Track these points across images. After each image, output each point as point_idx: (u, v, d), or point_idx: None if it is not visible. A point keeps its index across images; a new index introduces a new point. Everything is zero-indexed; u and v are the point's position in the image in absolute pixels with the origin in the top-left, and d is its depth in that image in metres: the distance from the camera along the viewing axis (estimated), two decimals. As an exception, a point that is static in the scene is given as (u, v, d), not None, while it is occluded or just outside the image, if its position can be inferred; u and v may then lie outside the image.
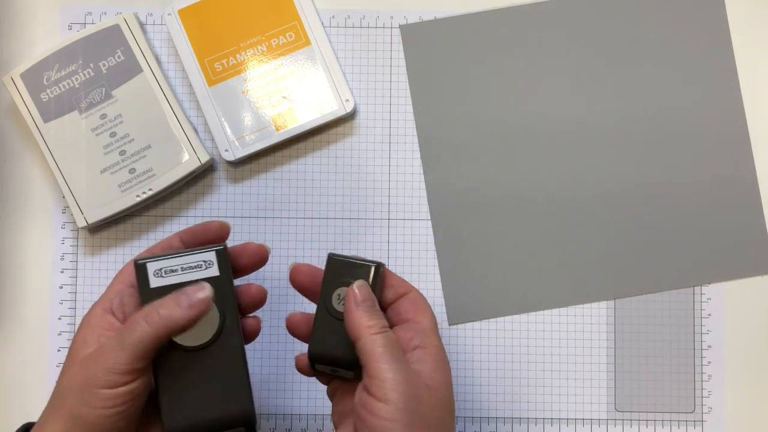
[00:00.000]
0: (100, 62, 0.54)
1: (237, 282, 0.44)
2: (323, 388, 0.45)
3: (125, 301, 0.41)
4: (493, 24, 0.57)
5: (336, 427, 0.43)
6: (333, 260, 0.43)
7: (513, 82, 0.57)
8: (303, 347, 0.43)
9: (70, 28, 0.57)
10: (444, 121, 0.56)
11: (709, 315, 0.56)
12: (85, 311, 0.55)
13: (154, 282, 0.41)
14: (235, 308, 0.42)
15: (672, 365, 0.55)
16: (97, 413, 0.37)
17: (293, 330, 0.45)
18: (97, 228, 0.56)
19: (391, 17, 0.57)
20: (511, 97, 0.57)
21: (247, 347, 0.43)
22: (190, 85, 0.55)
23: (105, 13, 0.57)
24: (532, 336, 0.56)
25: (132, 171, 0.54)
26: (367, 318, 0.40)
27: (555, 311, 0.56)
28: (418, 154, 0.56)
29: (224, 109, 0.55)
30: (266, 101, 0.55)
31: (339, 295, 0.42)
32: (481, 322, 0.56)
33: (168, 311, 0.39)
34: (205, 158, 0.54)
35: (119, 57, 0.54)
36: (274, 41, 0.55)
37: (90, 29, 0.55)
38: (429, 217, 0.56)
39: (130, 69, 0.54)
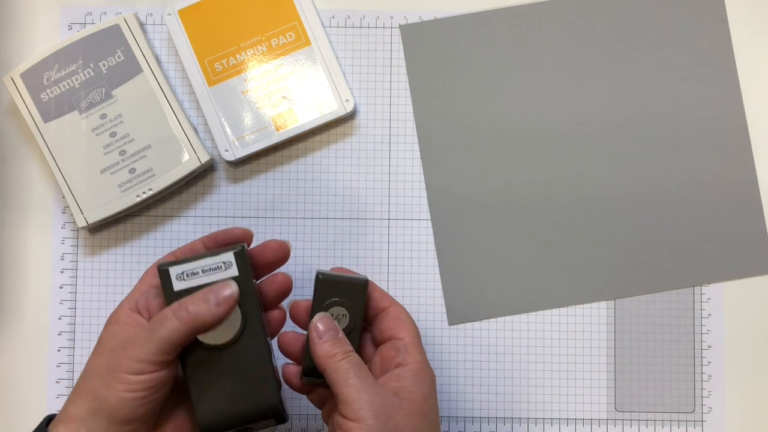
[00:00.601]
0: (100, 62, 0.54)
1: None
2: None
3: (150, 301, 0.43)
4: (493, 24, 0.57)
5: None
6: (321, 280, 0.44)
7: (513, 82, 0.57)
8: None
9: (70, 28, 0.57)
10: (444, 121, 0.56)
11: (709, 315, 0.56)
12: (85, 311, 0.56)
13: (177, 285, 0.43)
14: (256, 306, 0.43)
15: (672, 365, 0.55)
16: (119, 395, 0.39)
17: (285, 349, 0.46)
18: (97, 228, 0.56)
19: (391, 17, 0.57)
20: (511, 97, 0.57)
21: None
22: (190, 85, 0.55)
23: (105, 13, 0.57)
24: (532, 336, 0.56)
25: (132, 171, 0.54)
26: (329, 347, 0.42)
27: (555, 311, 0.56)
28: (418, 154, 0.56)
29: (224, 109, 0.55)
30: (266, 101, 0.55)
31: (332, 314, 0.44)
32: (481, 322, 0.56)
33: (196, 308, 0.40)
34: (205, 158, 0.54)
35: (119, 57, 0.54)
36: (274, 41, 0.55)
37: (90, 29, 0.55)
38: (429, 217, 0.56)
39: (130, 69, 0.54)
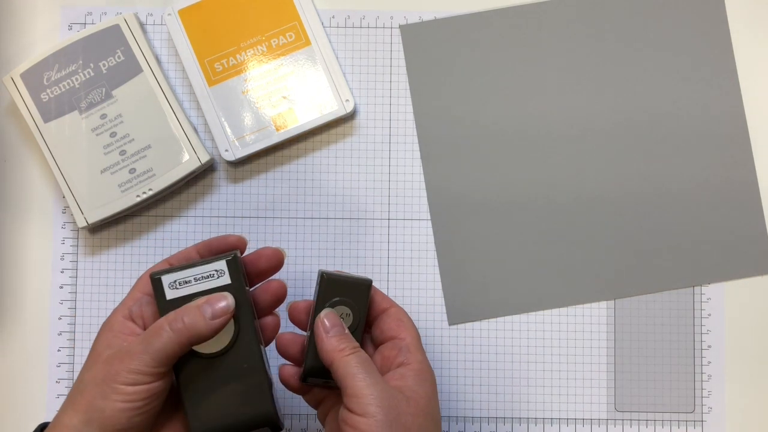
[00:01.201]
0: (100, 62, 0.54)
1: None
2: (323, 388, 0.46)
3: (144, 309, 0.43)
4: (493, 24, 0.57)
5: None
6: (325, 278, 0.44)
7: (513, 82, 0.57)
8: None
9: (70, 28, 0.57)
10: (444, 121, 0.56)
11: (709, 315, 0.56)
12: (85, 311, 0.56)
13: (170, 294, 0.42)
14: (249, 314, 0.43)
15: (672, 365, 0.55)
16: (114, 406, 0.39)
17: (284, 350, 0.46)
18: (97, 228, 0.56)
19: (391, 17, 0.57)
20: (511, 97, 0.57)
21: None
22: (190, 85, 0.55)
23: (105, 13, 0.57)
24: (532, 336, 0.56)
25: (132, 171, 0.54)
26: (337, 342, 0.42)
27: (555, 311, 0.56)
28: (418, 154, 0.56)
29: (224, 109, 0.55)
30: (266, 101, 0.55)
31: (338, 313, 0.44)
32: (481, 322, 0.56)
33: (192, 320, 0.40)
34: (205, 158, 0.54)
35: (119, 57, 0.54)
36: (274, 41, 0.55)
37: (90, 29, 0.55)
38: (429, 217, 0.56)
39: (130, 69, 0.54)
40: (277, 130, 0.55)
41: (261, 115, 0.55)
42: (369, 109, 0.57)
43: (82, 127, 0.54)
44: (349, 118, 0.57)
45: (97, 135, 0.54)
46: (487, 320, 0.56)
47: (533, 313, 0.56)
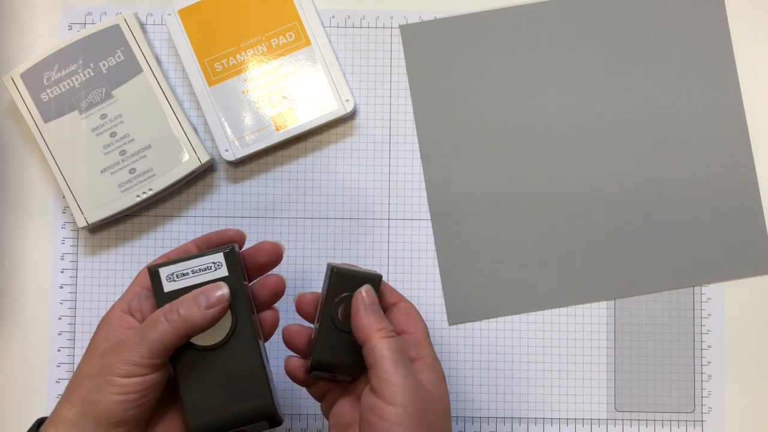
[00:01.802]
0: (100, 62, 0.54)
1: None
2: (323, 388, 0.46)
3: (143, 303, 0.43)
4: (493, 24, 0.57)
5: None
6: (335, 272, 0.44)
7: (513, 82, 0.57)
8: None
9: (70, 28, 0.57)
10: (444, 121, 0.56)
11: (709, 315, 0.56)
12: (85, 311, 0.56)
13: (168, 286, 0.42)
14: (247, 307, 0.43)
15: (672, 365, 0.55)
16: (110, 399, 0.38)
17: (290, 342, 0.45)
18: (97, 228, 0.56)
19: (391, 17, 0.57)
20: (511, 97, 0.57)
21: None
22: (190, 85, 0.55)
23: (105, 13, 0.57)
24: (532, 336, 0.56)
25: (132, 171, 0.54)
26: (376, 322, 0.41)
27: (555, 311, 0.56)
28: (418, 154, 0.56)
29: (224, 109, 0.55)
30: (266, 101, 0.55)
31: (346, 307, 0.43)
32: (481, 322, 0.56)
33: (187, 311, 0.40)
34: (205, 158, 0.54)
35: (119, 57, 0.54)
36: (274, 41, 0.55)
37: (90, 29, 0.55)
38: (429, 217, 0.56)
39: (130, 69, 0.54)
40: (277, 130, 0.55)
41: (261, 115, 0.55)
42: (369, 109, 0.57)
43: (82, 127, 0.54)
44: (349, 118, 0.57)
45: (97, 135, 0.54)
46: (487, 320, 0.56)
47: (533, 313, 0.56)
